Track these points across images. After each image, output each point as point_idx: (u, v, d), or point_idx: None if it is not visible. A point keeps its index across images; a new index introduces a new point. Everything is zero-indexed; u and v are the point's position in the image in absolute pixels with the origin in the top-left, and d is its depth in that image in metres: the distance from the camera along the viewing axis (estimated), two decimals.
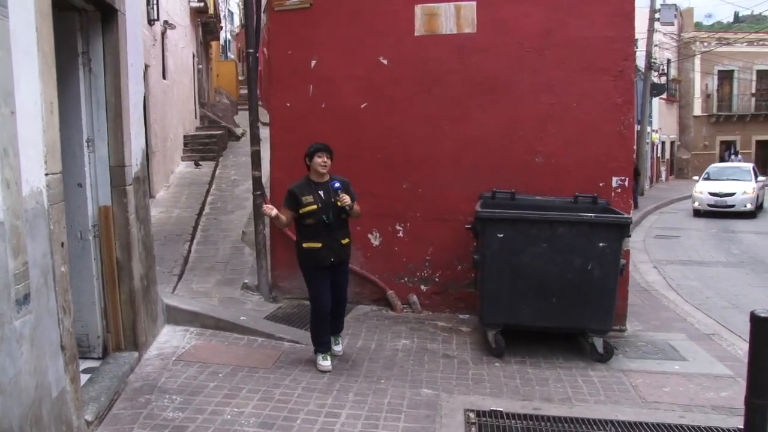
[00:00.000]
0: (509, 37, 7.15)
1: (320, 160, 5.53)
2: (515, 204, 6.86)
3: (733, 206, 20.12)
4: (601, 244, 5.96)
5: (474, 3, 7.16)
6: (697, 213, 20.86)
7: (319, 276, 5.58)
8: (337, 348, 5.95)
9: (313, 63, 7.53)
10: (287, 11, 7.51)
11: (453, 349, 6.36)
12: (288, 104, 7.63)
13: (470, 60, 7.26)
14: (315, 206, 5.47)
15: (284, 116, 7.68)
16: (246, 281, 8.00)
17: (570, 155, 7.16)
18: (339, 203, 5.46)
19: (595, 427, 4.69)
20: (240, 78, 31.94)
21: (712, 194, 20.58)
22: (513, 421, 4.72)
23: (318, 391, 5.08)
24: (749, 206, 20.16)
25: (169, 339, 6.03)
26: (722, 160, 37.91)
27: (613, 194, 7.06)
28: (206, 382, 5.11)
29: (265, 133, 8.25)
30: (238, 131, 18.88)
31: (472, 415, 4.80)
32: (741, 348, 6.67)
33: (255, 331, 6.32)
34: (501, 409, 4.90)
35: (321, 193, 5.53)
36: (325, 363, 5.61)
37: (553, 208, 6.61)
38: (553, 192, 7.14)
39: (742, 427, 4.07)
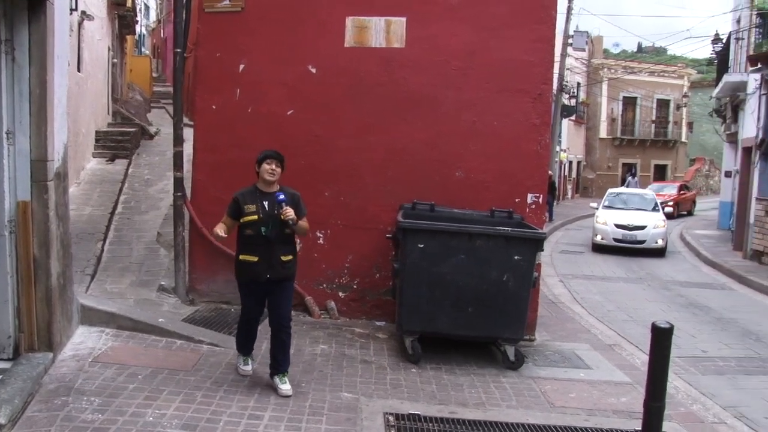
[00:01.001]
0: (436, 54, 7.39)
1: (268, 168, 5.21)
2: (434, 216, 7.07)
3: (643, 242, 16.93)
4: (516, 257, 6.24)
5: (404, 19, 7.36)
6: (600, 248, 17.32)
7: (252, 290, 5.30)
8: (285, 387, 5.22)
9: (242, 67, 7.54)
10: (217, 13, 7.49)
11: (371, 355, 6.50)
12: (214, 107, 7.60)
13: (398, 74, 7.45)
14: (255, 216, 5.14)
15: (209, 119, 7.64)
16: (162, 283, 7.88)
17: (489, 171, 7.45)
18: (282, 216, 5.09)
19: (507, 430, 4.94)
20: (154, 75, 31.23)
21: (619, 226, 17.16)
22: (430, 425, 4.90)
23: (240, 394, 5.12)
24: (660, 242, 17.08)
25: (84, 340, 5.89)
26: (623, 181, 39.90)
27: (527, 210, 7.40)
28: (125, 384, 5.04)
29: (186, 134, 8.16)
30: (152, 129, 18.43)
31: (391, 418, 4.95)
32: (639, 357, 7.12)
33: (174, 333, 6.26)
34: (419, 413, 5.08)
35: (265, 203, 5.19)
36: (246, 368, 5.57)
37: (470, 221, 6.87)
38: (471, 205, 7.41)
39: (640, 428, 4.40)
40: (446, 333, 6.44)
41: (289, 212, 5.09)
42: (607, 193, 20.44)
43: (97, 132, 15.44)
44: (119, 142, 15.51)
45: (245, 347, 5.63)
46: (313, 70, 7.52)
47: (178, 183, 7.74)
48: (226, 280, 7.67)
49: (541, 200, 7.43)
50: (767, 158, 15.96)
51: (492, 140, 7.42)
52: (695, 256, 17.35)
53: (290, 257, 5.29)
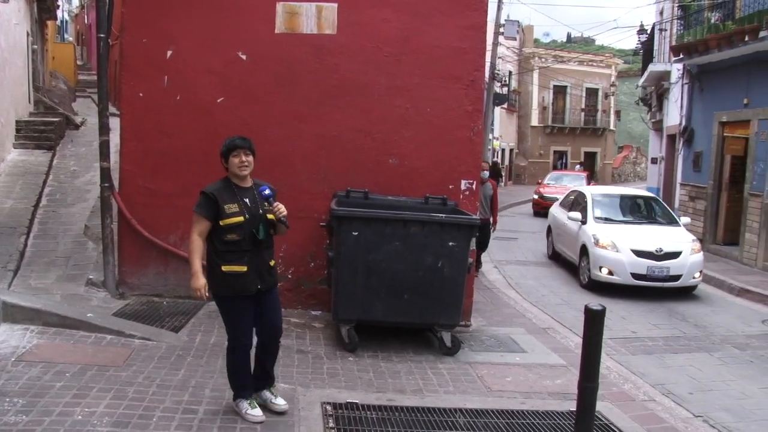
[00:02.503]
0: (368, 40, 7.35)
1: (237, 161, 4.40)
2: (369, 203, 7.05)
3: (677, 278, 10.53)
4: (451, 243, 6.27)
5: (335, 5, 7.29)
6: (602, 288, 10.70)
7: (242, 307, 4.45)
8: (280, 402, 4.69)
9: (169, 53, 7.32)
10: None
11: (307, 345, 6.45)
12: (141, 94, 7.36)
13: (329, 61, 7.38)
14: (241, 218, 4.34)
15: (136, 107, 7.40)
16: (91, 277, 7.62)
17: (422, 158, 7.47)
18: (272, 216, 4.41)
19: (445, 415, 4.96)
20: (79, 63, 30.16)
21: (641, 254, 10.54)
22: (368, 413, 4.89)
23: (174, 388, 5.00)
24: (698, 277, 10.83)
25: (6, 339, 5.65)
26: (555, 168, 40.76)
27: (461, 196, 7.45)
28: (52, 383, 4.85)
29: (114, 123, 7.90)
30: (77, 119, 17.81)
31: (329, 407, 4.92)
32: (572, 340, 7.29)
33: (103, 329, 6.07)
34: (357, 401, 5.06)
35: (247, 200, 4.42)
36: (256, 412, 4.53)
37: (405, 208, 6.87)
38: (405, 192, 7.41)
39: (575, 409, 4.49)
40: (382, 321, 6.43)
41: (282, 209, 4.41)
42: (589, 196, 12.47)
43: (17, 122, 14.83)
44: (42, 132, 14.93)
45: (245, 386, 4.62)
46: (243, 57, 7.37)
47: (105, 173, 7.50)
48: (156, 273, 7.52)
49: (474, 186, 7.49)
50: (690, 145, 16.54)
51: (425, 127, 7.43)
52: None
53: (274, 261, 4.68)
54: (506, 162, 40.70)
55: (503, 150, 38.92)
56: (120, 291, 7.48)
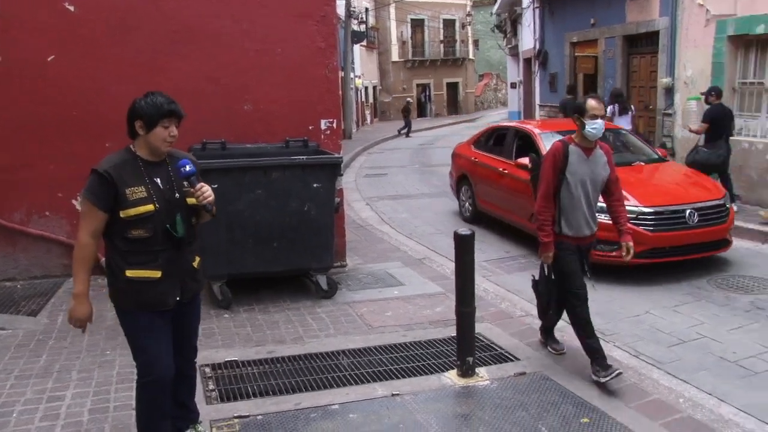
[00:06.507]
0: None
1: (166, 134, 3.22)
2: (227, 153, 6.73)
3: None
4: (315, 185, 6.12)
5: None
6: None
7: (153, 326, 3.29)
8: None
9: None
10: None
11: None
12: None
13: (167, 6, 6.87)
14: (151, 206, 3.17)
15: None
16: None
17: (278, 101, 7.19)
18: (197, 199, 3.27)
19: (328, 359, 4.91)
20: None
21: None
22: (249, 368, 4.77)
23: (35, 377, 4.64)
24: None
25: None
26: (419, 102, 41.23)
27: (322, 136, 7.27)
28: None
29: None
30: None
31: (207, 369, 4.75)
32: (449, 267, 7.36)
33: None
34: (236, 359, 4.91)
35: (158, 181, 3.25)
36: None
37: (265, 155, 6.65)
38: (264, 138, 7.14)
39: (455, 334, 4.55)
40: (254, 272, 6.23)
41: (208, 192, 3.25)
42: None
43: None
44: None
45: None
46: (71, 8, 6.73)
47: None
48: (4, 255, 6.95)
49: (335, 125, 7.32)
50: (545, 67, 17.05)
51: (278, 68, 7.13)
52: None
53: (198, 258, 3.55)
54: (371, 100, 40.75)
55: (366, 88, 38.86)
56: None
